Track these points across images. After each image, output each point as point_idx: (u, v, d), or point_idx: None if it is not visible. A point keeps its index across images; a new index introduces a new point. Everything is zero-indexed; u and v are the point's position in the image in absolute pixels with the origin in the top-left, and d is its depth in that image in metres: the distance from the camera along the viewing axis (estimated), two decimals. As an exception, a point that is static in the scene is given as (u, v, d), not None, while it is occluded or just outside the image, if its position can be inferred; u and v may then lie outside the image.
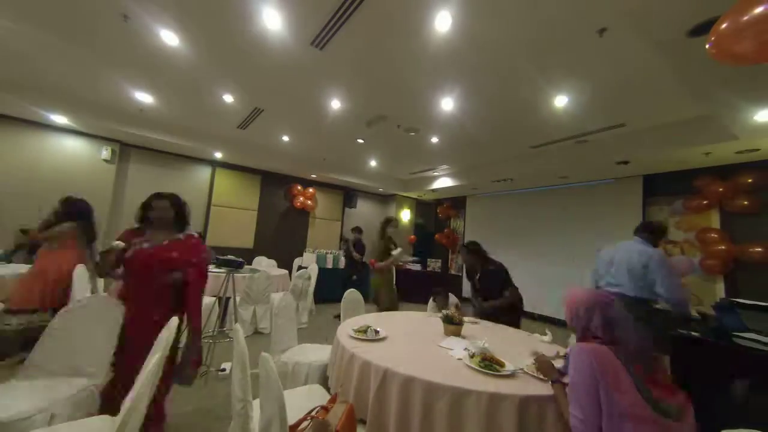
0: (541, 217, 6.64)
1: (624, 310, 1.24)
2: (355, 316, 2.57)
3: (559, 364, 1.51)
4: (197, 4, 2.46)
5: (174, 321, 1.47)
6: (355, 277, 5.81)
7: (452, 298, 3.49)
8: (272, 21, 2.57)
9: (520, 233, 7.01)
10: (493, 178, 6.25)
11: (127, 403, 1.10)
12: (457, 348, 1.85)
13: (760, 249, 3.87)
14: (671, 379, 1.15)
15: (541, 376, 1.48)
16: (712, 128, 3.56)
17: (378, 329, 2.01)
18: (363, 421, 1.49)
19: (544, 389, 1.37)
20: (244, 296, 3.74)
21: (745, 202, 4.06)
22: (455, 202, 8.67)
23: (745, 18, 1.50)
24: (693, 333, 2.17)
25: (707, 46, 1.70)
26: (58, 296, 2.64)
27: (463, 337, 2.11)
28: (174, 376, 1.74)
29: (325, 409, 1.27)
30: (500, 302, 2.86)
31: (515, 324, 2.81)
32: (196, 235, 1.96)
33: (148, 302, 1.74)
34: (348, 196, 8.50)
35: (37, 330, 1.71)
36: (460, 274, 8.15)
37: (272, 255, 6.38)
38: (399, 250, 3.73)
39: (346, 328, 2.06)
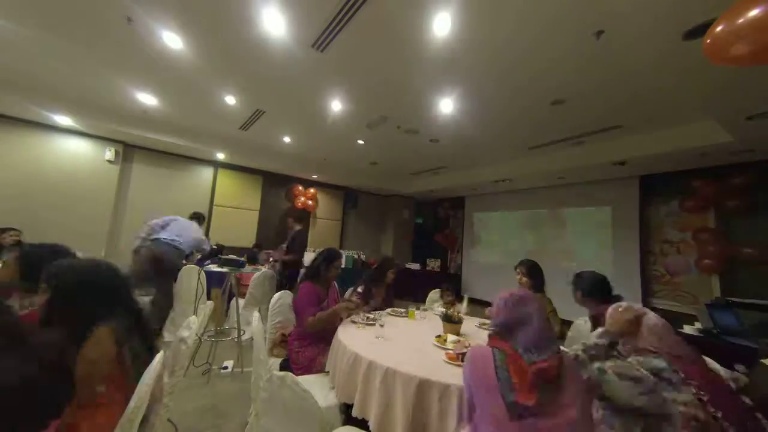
0: (539, 218, 6.67)
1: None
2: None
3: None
4: (199, 6, 2.50)
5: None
6: None
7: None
8: (274, 23, 2.60)
9: (518, 234, 7.04)
10: (492, 178, 6.29)
11: (131, 404, 1.12)
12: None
13: (755, 248, 3.91)
14: (540, 372, 1.02)
15: None
16: (708, 129, 3.60)
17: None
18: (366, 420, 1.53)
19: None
20: (249, 297, 3.77)
21: (740, 203, 4.11)
22: (455, 202, 8.71)
23: (741, 21, 1.54)
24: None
25: (703, 49, 1.74)
26: None
27: (462, 336, 2.15)
28: None
29: None
30: None
31: None
32: None
33: None
34: (348, 196, 8.53)
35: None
36: (459, 274, 8.19)
37: (273, 255, 6.41)
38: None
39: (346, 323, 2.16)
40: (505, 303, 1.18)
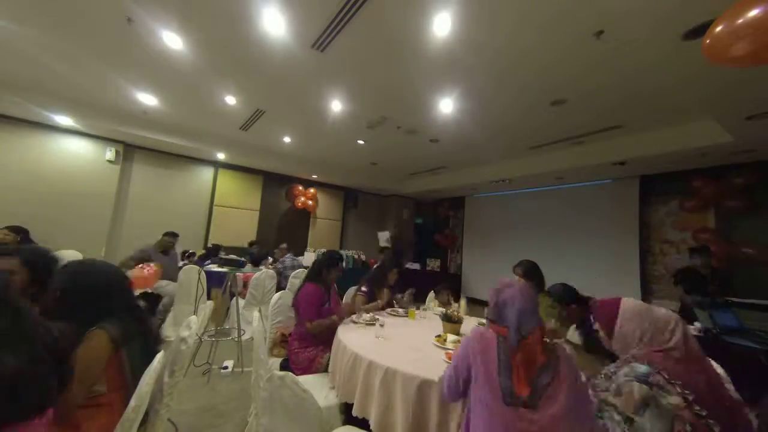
0: (539, 218, 6.67)
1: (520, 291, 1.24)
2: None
3: None
4: (199, 7, 2.50)
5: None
6: None
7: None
8: (274, 24, 2.60)
9: (518, 234, 7.04)
10: (492, 178, 6.29)
11: (131, 404, 1.12)
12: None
13: (755, 248, 3.91)
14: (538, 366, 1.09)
15: None
16: (708, 129, 3.60)
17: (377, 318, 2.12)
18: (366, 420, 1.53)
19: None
20: (250, 297, 3.78)
21: (740, 203, 4.10)
22: (454, 202, 8.71)
23: (740, 21, 1.54)
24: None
25: (703, 49, 1.74)
26: None
27: (462, 336, 2.15)
28: None
29: None
30: None
31: None
32: None
33: None
34: (348, 196, 8.53)
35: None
36: (459, 274, 8.19)
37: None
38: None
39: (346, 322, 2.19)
40: (494, 290, 1.33)
